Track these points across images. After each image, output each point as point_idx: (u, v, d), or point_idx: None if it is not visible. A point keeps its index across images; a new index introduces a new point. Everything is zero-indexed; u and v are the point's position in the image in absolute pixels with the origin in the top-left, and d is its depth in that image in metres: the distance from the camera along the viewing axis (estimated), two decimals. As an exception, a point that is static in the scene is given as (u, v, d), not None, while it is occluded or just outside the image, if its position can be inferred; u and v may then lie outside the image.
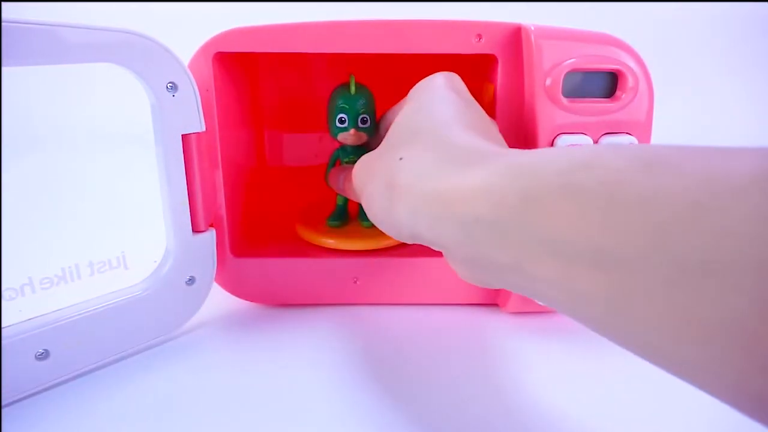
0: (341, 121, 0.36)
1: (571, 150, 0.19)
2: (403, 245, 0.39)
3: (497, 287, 0.22)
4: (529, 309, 0.36)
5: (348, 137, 0.37)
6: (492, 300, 0.37)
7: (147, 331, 0.32)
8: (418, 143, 0.25)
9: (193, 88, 0.30)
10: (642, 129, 0.31)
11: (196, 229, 0.33)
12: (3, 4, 0.34)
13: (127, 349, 0.32)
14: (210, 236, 0.34)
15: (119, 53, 0.27)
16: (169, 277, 0.32)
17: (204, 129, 0.31)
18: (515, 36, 0.31)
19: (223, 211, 0.34)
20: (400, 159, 0.25)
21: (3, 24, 0.23)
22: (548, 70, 0.30)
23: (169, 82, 0.29)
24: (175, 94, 0.30)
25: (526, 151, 0.21)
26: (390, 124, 0.31)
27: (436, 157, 0.23)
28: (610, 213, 0.15)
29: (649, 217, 0.14)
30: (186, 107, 0.30)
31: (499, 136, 0.27)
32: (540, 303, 0.20)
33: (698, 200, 0.14)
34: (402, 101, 0.31)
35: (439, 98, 0.27)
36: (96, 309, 0.29)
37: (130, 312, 0.31)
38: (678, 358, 0.15)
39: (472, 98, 0.28)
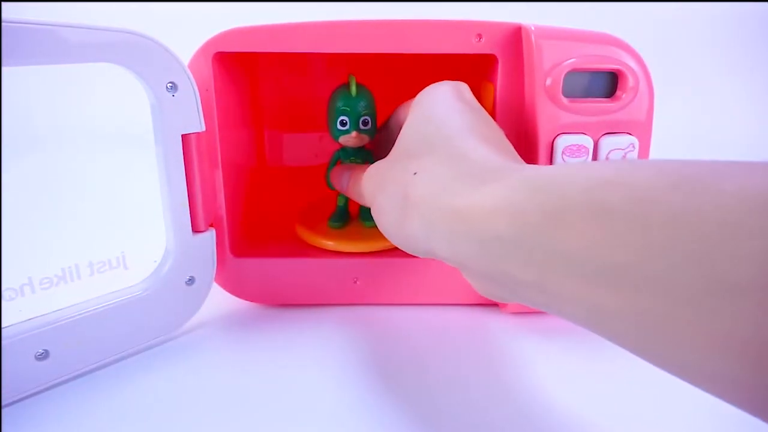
0: (342, 124, 0.36)
1: (590, 165, 0.19)
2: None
3: (515, 302, 0.22)
4: (529, 309, 0.36)
5: (349, 140, 0.37)
6: (492, 300, 0.37)
7: (147, 331, 0.32)
8: (431, 156, 0.25)
9: (193, 88, 0.30)
10: (642, 129, 0.31)
11: (196, 229, 0.33)
12: (3, 4, 0.34)
13: (127, 349, 0.32)
14: (210, 236, 0.34)
15: (119, 53, 0.27)
16: (169, 277, 0.32)
17: (204, 129, 0.31)
18: (515, 36, 0.31)
19: (223, 211, 0.34)
20: (414, 173, 0.25)
21: (3, 24, 0.23)
22: (548, 70, 0.30)
23: (169, 82, 0.29)
24: (175, 94, 0.30)
25: (543, 166, 0.21)
26: (396, 128, 0.30)
27: (452, 171, 0.23)
28: (639, 231, 0.15)
29: (681, 237, 0.14)
30: (186, 107, 0.30)
31: (510, 146, 0.27)
32: (561, 318, 0.20)
33: (733, 219, 0.13)
34: (406, 104, 0.31)
35: (448, 108, 0.27)
36: (96, 309, 0.29)
37: (130, 312, 0.31)
38: (713, 376, 0.15)
39: (480, 106, 0.28)
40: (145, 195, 0.40)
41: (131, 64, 0.28)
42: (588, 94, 0.31)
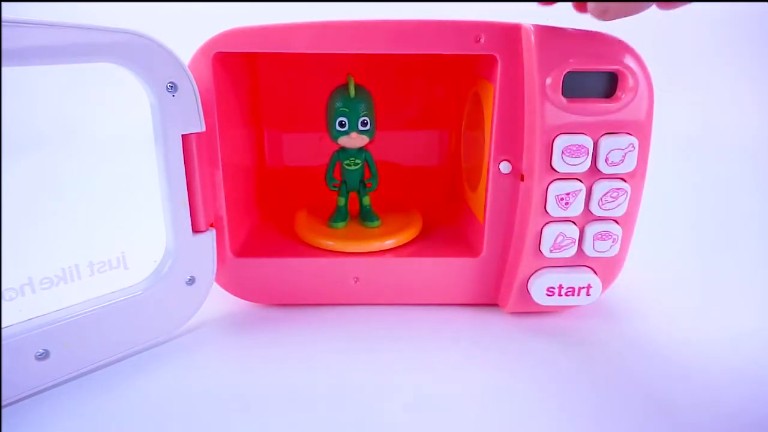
0: (341, 125, 0.36)
1: None
2: (403, 245, 0.39)
3: None
4: (528, 309, 0.36)
5: (349, 141, 0.37)
6: (492, 300, 0.37)
7: (147, 331, 0.32)
8: None
9: (193, 88, 0.30)
10: (642, 129, 0.31)
11: (196, 229, 0.33)
12: (3, 4, 0.34)
13: (128, 349, 0.32)
14: (210, 236, 0.34)
15: (119, 53, 0.27)
16: (169, 277, 0.32)
17: (204, 129, 0.31)
18: (515, 36, 0.31)
19: (223, 211, 0.34)
20: None
21: (3, 24, 0.23)
22: (548, 70, 0.30)
23: (169, 82, 0.29)
24: (175, 94, 0.30)
25: None
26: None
27: None
28: None
29: None
30: (186, 107, 0.30)
31: None
32: None
33: None
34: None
35: None
36: (96, 309, 0.29)
37: (130, 312, 0.31)
38: None
39: None
40: (144, 195, 0.40)
41: (131, 64, 0.28)
42: (588, 94, 0.31)
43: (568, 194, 0.32)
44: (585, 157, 0.31)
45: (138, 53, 0.28)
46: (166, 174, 0.30)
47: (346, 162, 0.38)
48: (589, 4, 0.27)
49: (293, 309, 0.38)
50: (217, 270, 0.35)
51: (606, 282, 0.35)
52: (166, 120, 0.30)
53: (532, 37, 0.30)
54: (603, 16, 0.26)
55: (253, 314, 0.37)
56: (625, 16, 0.26)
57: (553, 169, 0.32)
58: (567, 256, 0.34)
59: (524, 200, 0.33)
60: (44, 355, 0.28)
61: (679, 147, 0.69)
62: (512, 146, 0.33)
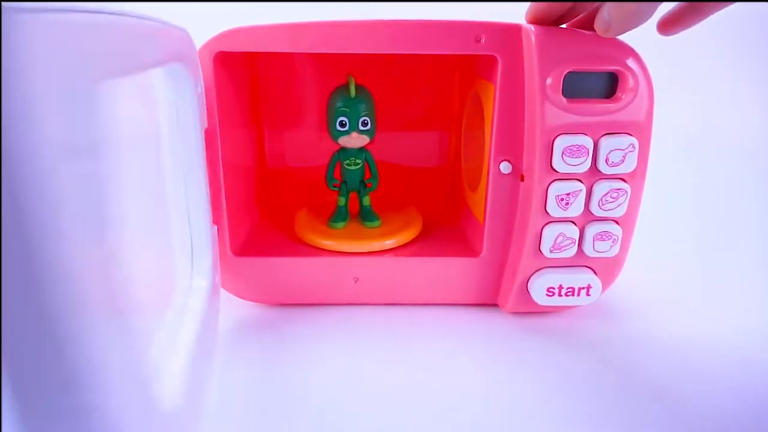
0: (342, 125, 0.36)
1: None
2: (403, 245, 0.39)
3: None
4: (528, 309, 0.36)
5: (349, 141, 0.37)
6: (492, 300, 0.37)
7: (215, 332, 0.32)
8: None
9: (203, 85, 0.31)
10: (642, 129, 0.31)
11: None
12: (3, 4, 0.34)
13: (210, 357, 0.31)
14: (215, 232, 0.33)
15: (184, 53, 0.27)
16: (210, 273, 0.32)
17: (207, 125, 0.31)
18: (515, 36, 0.31)
19: (224, 211, 0.34)
20: None
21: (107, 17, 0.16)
22: (548, 70, 0.30)
23: (197, 80, 0.29)
24: (199, 91, 0.30)
25: None
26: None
27: None
28: None
29: None
30: (203, 104, 0.30)
31: None
32: None
33: None
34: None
35: None
36: (197, 331, 0.27)
37: (208, 319, 0.30)
38: None
39: None
40: (144, 197, 0.40)
41: (191, 64, 0.28)
42: (588, 94, 0.31)
43: (568, 194, 0.32)
44: (585, 158, 0.31)
45: (191, 51, 0.28)
46: (200, 170, 0.30)
47: (346, 162, 0.38)
48: (596, 23, 0.29)
49: (293, 309, 0.38)
50: (218, 270, 0.35)
51: (606, 282, 0.35)
52: (197, 117, 0.30)
53: (533, 37, 0.30)
54: (606, 33, 0.29)
55: (253, 314, 0.37)
56: (626, 31, 0.28)
57: (554, 169, 0.32)
58: (567, 256, 0.34)
59: (524, 200, 0.33)
60: None
61: (679, 147, 0.69)
62: (512, 146, 0.33)
